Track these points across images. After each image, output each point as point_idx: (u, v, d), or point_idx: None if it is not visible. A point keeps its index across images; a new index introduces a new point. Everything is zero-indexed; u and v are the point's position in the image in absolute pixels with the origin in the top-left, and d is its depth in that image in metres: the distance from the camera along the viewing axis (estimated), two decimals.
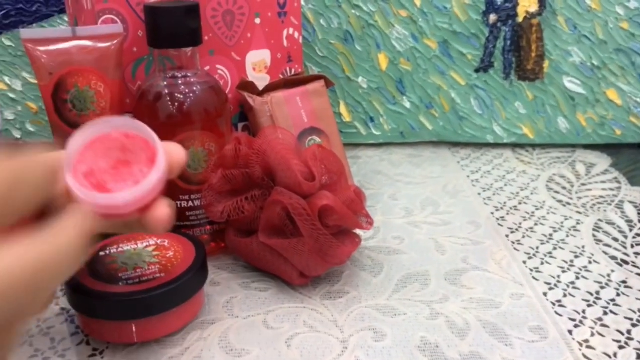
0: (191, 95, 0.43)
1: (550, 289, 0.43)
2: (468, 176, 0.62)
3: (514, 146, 0.69)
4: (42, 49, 0.42)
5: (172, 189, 0.43)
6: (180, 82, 0.43)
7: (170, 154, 0.28)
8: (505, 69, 0.66)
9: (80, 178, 0.27)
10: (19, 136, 0.64)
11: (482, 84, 0.67)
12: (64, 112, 0.43)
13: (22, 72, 0.63)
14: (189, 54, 0.44)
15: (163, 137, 0.42)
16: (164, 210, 0.28)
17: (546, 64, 0.66)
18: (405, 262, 0.46)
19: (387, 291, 0.43)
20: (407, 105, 0.68)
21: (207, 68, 0.49)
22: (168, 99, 0.43)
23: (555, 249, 0.48)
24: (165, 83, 0.43)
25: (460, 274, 0.44)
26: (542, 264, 0.46)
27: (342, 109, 0.68)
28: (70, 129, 0.43)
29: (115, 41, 0.44)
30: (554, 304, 0.41)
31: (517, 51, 0.66)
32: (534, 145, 0.69)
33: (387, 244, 0.49)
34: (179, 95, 0.43)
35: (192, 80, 0.44)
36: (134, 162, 0.28)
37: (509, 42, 0.66)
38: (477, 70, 0.67)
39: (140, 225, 0.28)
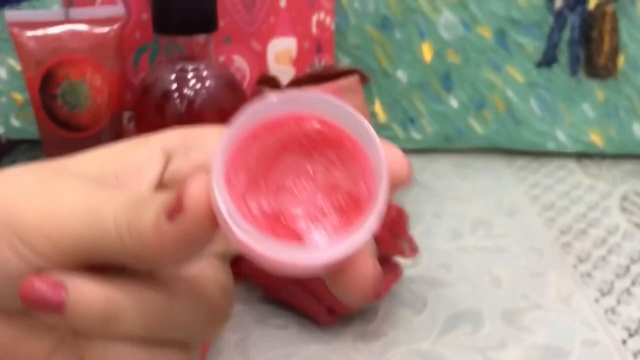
0: (203, 91, 0.42)
1: (630, 335, 0.41)
2: (526, 191, 0.61)
3: (580, 156, 0.68)
4: (29, 33, 0.41)
5: None
6: (190, 75, 0.43)
7: (390, 161, 0.21)
8: (572, 65, 0.65)
9: (239, 199, 0.20)
10: (1, 131, 0.64)
11: (544, 81, 0.65)
12: (53, 108, 0.42)
13: (7, 58, 0.62)
14: (201, 42, 0.43)
15: None
16: (368, 269, 0.21)
17: (621, 59, 0.64)
18: (453, 297, 0.45)
19: (432, 333, 0.41)
20: (454, 104, 0.66)
21: (221, 59, 0.48)
22: (176, 95, 0.42)
23: (634, 284, 0.46)
24: (173, 76, 0.43)
25: (519, 314, 0.43)
26: (619, 302, 0.44)
27: (377, 107, 0.66)
28: (61, 128, 0.42)
29: (115, 26, 0.43)
30: (635, 356, 0.39)
31: (586, 43, 0.65)
32: (603, 155, 0.68)
33: (431, 273, 0.47)
34: (188, 92, 0.42)
35: (204, 73, 0.43)
36: (330, 179, 0.21)
37: (577, 33, 0.64)
38: (538, 65, 0.65)
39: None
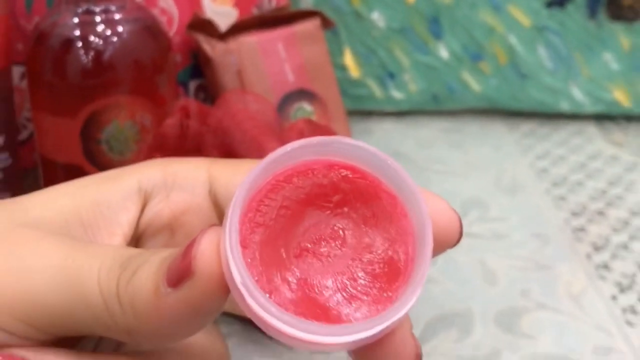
0: (115, 39, 0.43)
1: None
2: (532, 163, 0.62)
3: (601, 118, 0.69)
4: None
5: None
6: (98, 19, 0.43)
7: (435, 218, 0.22)
8: (590, 3, 0.66)
9: (257, 267, 0.20)
10: None
11: (555, 25, 0.66)
12: None
13: None
14: None
15: (72, 105, 0.42)
16: (407, 346, 0.22)
17: None
18: (437, 296, 0.45)
19: None
20: (444, 55, 0.67)
21: None
22: (79, 45, 0.42)
23: None
24: (76, 21, 0.43)
25: (518, 316, 0.44)
26: None
27: (348, 59, 0.67)
28: None
29: None
30: None
31: None
32: (630, 117, 0.69)
33: None
34: (95, 40, 0.42)
35: (116, 16, 0.43)
36: (362, 240, 0.21)
37: None
38: (549, 5, 0.66)
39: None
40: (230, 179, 0.26)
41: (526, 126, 0.68)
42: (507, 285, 0.46)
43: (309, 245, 0.21)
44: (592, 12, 0.66)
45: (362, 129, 0.66)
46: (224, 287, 0.20)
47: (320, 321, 0.20)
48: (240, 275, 0.19)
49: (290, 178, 0.21)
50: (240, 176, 0.25)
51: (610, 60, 0.66)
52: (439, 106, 0.68)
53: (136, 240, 0.26)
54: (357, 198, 0.22)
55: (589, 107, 0.67)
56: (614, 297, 0.45)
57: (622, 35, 0.66)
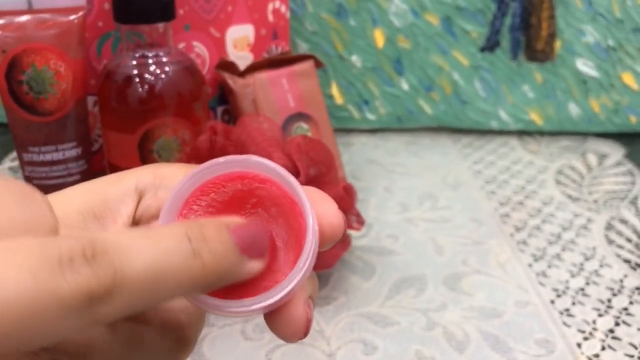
0: (163, 76, 0.42)
1: (558, 295, 0.42)
2: (470, 166, 0.61)
3: (521, 133, 0.68)
4: None
5: None
6: (150, 61, 0.42)
7: (321, 219, 0.21)
8: (513, 49, 0.65)
9: None
10: None
11: (487, 64, 0.66)
12: (19, 94, 0.41)
13: None
14: (161, 29, 0.42)
15: (132, 124, 0.42)
16: (299, 312, 0.21)
17: (557, 43, 0.65)
18: (399, 264, 0.45)
19: (379, 297, 0.42)
20: (405, 87, 0.66)
21: (181, 45, 0.48)
22: (137, 80, 0.41)
23: (563, 250, 0.47)
24: (134, 63, 0.42)
25: (459, 278, 0.44)
26: (550, 267, 0.45)
27: (334, 90, 0.66)
28: (27, 113, 0.41)
29: (78, 14, 0.42)
30: (561, 313, 0.40)
31: (526, 29, 0.65)
32: (542, 133, 0.68)
33: (380, 243, 0.48)
34: (149, 77, 0.42)
35: (164, 59, 0.42)
36: (272, 233, 0.21)
37: (517, 19, 0.64)
38: (482, 50, 0.65)
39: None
40: None
41: (466, 139, 0.67)
42: (452, 256, 0.46)
43: None
44: (514, 55, 0.65)
45: (345, 142, 0.65)
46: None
47: (234, 296, 0.20)
48: None
49: (217, 185, 0.21)
50: None
51: (527, 90, 0.66)
52: (401, 125, 0.68)
53: (133, 226, 0.25)
54: (268, 202, 0.21)
55: (512, 125, 0.67)
56: (530, 265, 0.45)
57: (537, 72, 0.66)
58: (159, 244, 0.17)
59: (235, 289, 0.20)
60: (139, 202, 0.25)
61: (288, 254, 0.21)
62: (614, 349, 0.37)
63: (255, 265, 0.20)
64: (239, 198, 0.21)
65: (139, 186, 0.25)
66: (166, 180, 0.25)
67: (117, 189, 0.24)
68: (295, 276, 0.20)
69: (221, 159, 0.21)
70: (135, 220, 0.25)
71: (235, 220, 0.20)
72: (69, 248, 0.16)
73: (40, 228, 0.18)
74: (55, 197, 0.23)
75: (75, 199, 0.24)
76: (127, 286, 0.16)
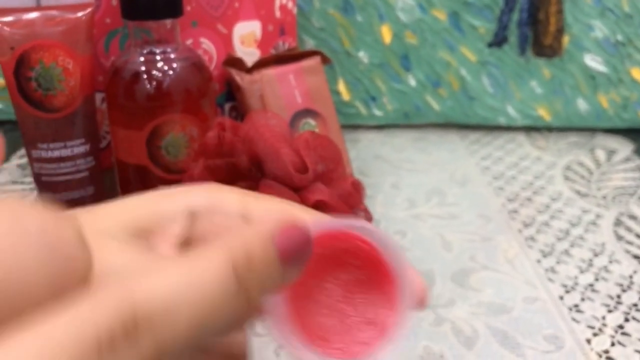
0: (171, 72, 0.41)
1: (567, 291, 0.42)
2: (478, 163, 0.61)
3: (529, 129, 0.68)
4: (2, 19, 0.40)
5: (149, 177, 0.42)
6: (158, 58, 0.42)
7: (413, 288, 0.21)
8: (520, 44, 0.65)
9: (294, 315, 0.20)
10: None
11: (495, 60, 0.65)
12: (27, 91, 0.41)
13: None
14: (168, 26, 0.42)
15: (140, 121, 0.42)
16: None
17: (566, 39, 0.64)
18: (409, 260, 0.45)
19: None
20: (412, 83, 0.66)
21: (189, 42, 0.48)
22: (144, 77, 0.41)
23: (572, 246, 0.47)
24: (142, 59, 0.42)
25: (468, 274, 0.43)
26: (558, 263, 0.45)
27: (341, 86, 0.66)
28: (36, 109, 0.41)
29: (86, 11, 0.42)
30: (570, 309, 0.40)
31: (534, 24, 0.64)
32: (550, 129, 0.68)
33: None
34: (156, 73, 0.41)
35: (171, 56, 0.42)
36: (362, 298, 0.21)
37: (525, 15, 0.64)
38: (489, 45, 0.65)
39: None
40: (260, 214, 0.25)
41: (473, 135, 0.67)
42: (460, 252, 0.46)
43: (329, 297, 0.21)
44: (522, 51, 0.65)
45: (352, 138, 0.65)
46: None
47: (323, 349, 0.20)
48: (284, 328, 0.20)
49: (325, 241, 0.21)
50: (268, 213, 0.24)
51: (535, 86, 0.66)
52: (409, 121, 0.68)
53: (180, 248, 0.25)
54: (365, 263, 0.22)
55: (520, 121, 0.67)
56: (538, 261, 0.45)
57: (544, 68, 0.65)
58: (203, 287, 0.16)
59: (328, 336, 0.20)
60: (190, 223, 0.24)
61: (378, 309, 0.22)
62: (623, 345, 0.37)
63: (293, 273, 0.18)
64: (341, 255, 0.21)
65: (192, 207, 0.24)
66: (222, 206, 0.24)
67: (168, 206, 0.24)
68: (388, 344, 0.21)
69: (339, 221, 0.21)
70: (185, 241, 0.24)
71: (282, 223, 0.19)
72: (109, 327, 0.14)
73: (69, 283, 0.17)
74: (102, 211, 0.23)
75: (123, 213, 0.23)
76: (169, 350, 0.15)
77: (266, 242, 0.17)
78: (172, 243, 0.24)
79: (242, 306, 0.16)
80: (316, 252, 0.20)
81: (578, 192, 0.55)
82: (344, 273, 0.22)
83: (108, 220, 0.22)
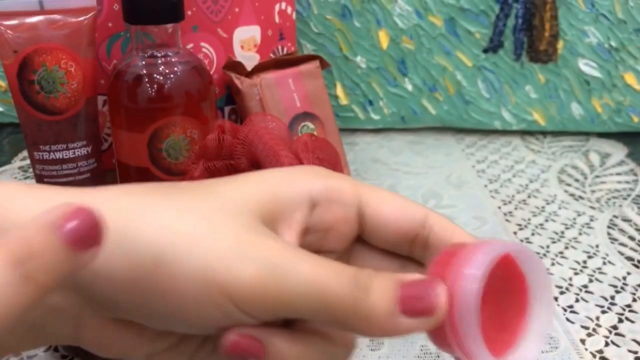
0: (172, 76, 0.42)
1: (562, 292, 0.42)
2: (473, 166, 0.61)
3: (524, 133, 0.68)
4: (5, 23, 0.40)
5: (150, 179, 0.42)
6: (159, 61, 0.42)
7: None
8: (515, 50, 0.65)
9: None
10: None
11: (490, 65, 0.66)
12: (30, 94, 0.41)
13: None
14: (169, 30, 0.42)
15: (141, 123, 0.42)
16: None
17: (560, 44, 0.65)
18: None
19: None
20: (409, 87, 0.66)
21: (190, 46, 0.48)
22: (146, 80, 0.41)
23: (567, 248, 0.47)
24: (143, 63, 0.42)
25: None
26: (553, 264, 0.45)
27: (339, 90, 0.66)
28: (38, 112, 0.41)
29: (88, 15, 0.42)
30: (565, 310, 0.40)
31: (529, 30, 0.65)
32: (545, 133, 0.68)
33: None
34: (158, 77, 0.41)
35: (173, 59, 0.42)
36: (503, 309, 0.23)
37: (520, 20, 0.64)
38: (485, 51, 0.65)
39: None
40: (377, 204, 0.25)
41: (469, 139, 0.67)
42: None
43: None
44: (517, 56, 0.66)
45: (350, 141, 0.66)
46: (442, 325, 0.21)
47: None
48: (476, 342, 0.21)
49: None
50: (384, 204, 0.25)
51: (530, 91, 0.66)
52: (405, 125, 0.68)
53: (304, 235, 0.25)
54: (509, 285, 0.23)
55: (515, 125, 0.67)
56: None
57: (539, 73, 0.66)
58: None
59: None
60: (311, 211, 0.25)
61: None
62: (617, 345, 0.37)
63: (88, 255, 0.18)
64: (498, 274, 0.22)
65: (313, 195, 0.24)
66: (339, 195, 0.25)
67: (290, 192, 0.24)
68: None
69: (500, 244, 0.22)
70: (306, 229, 0.25)
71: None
72: None
73: None
74: (235, 192, 0.23)
75: (254, 196, 0.23)
76: None
77: (46, 230, 0.18)
78: (297, 231, 0.24)
79: (32, 290, 0.17)
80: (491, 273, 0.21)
81: (572, 195, 0.55)
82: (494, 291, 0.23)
83: (231, 204, 0.23)
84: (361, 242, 0.27)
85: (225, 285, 0.20)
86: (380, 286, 0.21)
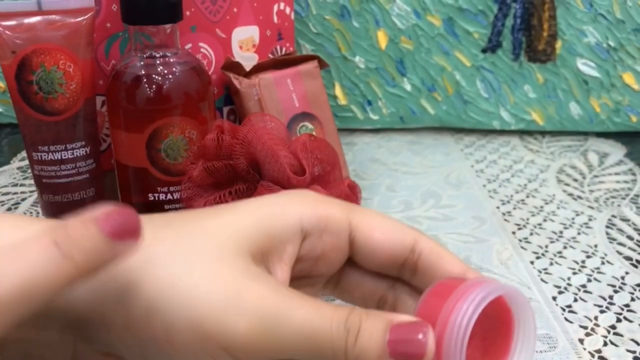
0: (170, 76, 0.42)
1: (560, 292, 0.42)
2: (472, 166, 0.61)
3: (522, 133, 0.68)
4: (3, 23, 0.40)
5: (149, 180, 0.42)
6: (158, 62, 0.42)
7: None
8: (514, 50, 0.65)
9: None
10: None
11: (489, 65, 0.66)
12: (29, 94, 0.41)
13: None
14: (168, 31, 0.42)
15: (140, 124, 0.42)
16: None
17: (558, 44, 0.65)
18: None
19: None
20: (408, 87, 0.66)
21: (188, 46, 0.48)
22: (144, 81, 0.41)
23: (565, 247, 0.47)
24: (142, 63, 0.42)
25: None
26: (551, 264, 0.45)
27: (338, 90, 0.66)
28: (37, 113, 0.41)
29: (87, 16, 0.42)
30: (563, 310, 0.40)
31: (527, 30, 0.65)
32: (543, 133, 0.68)
33: None
34: (156, 77, 0.41)
35: (171, 60, 0.42)
36: (490, 344, 0.24)
37: (519, 20, 0.64)
38: (484, 51, 0.65)
39: None
40: (367, 230, 0.26)
41: (468, 139, 0.67)
42: (455, 253, 0.46)
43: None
44: (516, 56, 0.66)
45: (348, 141, 0.66)
46: None
47: None
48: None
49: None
50: (374, 230, 0.26)
51: (529, 90, 0.66)
52: (404, 125, 0.68)
53: (295, 264, 0.26)
54: (497, 320, 0.24)
55: (514, 125, 0.67)
56: (532, 262, 0.45)
57: (538, 72, 0.66)
58: (29, 256, 0.19)
59: None
60: (302, 242, 0.25)
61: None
62: (616, 345, 0.37)
63: (124, 245, 0.20)
64: (485, 314, 0.22)
65: (304, 226, 0.25)
66: (330, 224, 0.25)
67: (281, 226, 0.24)
68: None
69: (492, 286, 0.23)
70: (297, 259, 0.25)
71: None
72: None
73: None
74: (225, 230, 0.23)
75: (245, 235, 0.23)
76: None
77: (86, 222, 0.20)
78: (288, 263, 0.24)
79: (70, 267, 0.19)
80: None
81: (571, 195, 0.55)
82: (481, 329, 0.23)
83: (240, 241, 0.23)
84: (351, 263, 0.27)
85: (219, 338, 0.21)
86: (370, 328, 0.21)
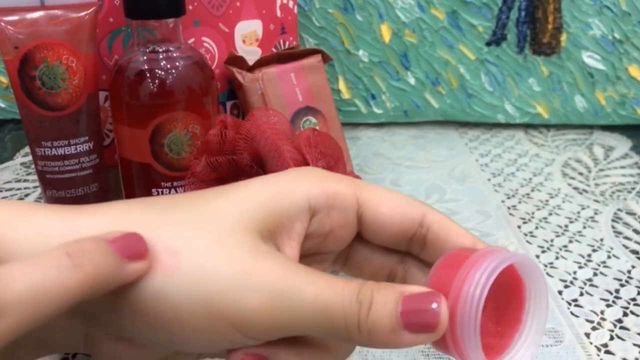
0: (173, 71, 0.41)
1: (566, 286, 0.42)
2: (477, 160, 0.61)
3: (527, 126, 0.68)
4: (6, 19, 0.40)
5: (152, 175, 0.42)
6: (161, 57, 0.42)
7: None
8: (519, 42, 0.65)
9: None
10: None
11: (493, 58, 0.65)
12: (31, 90, 0.41)
13: None
14: (171, 25, 0.42)
15: (143, 119, 0.42)
16: None
17: (563, 37, 0.64)
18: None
19: None
20: (412, 81, 0.66)
21: (191, 41, 0.48)
22: (148, 75, 0.41)
23: (571, 241, 0.47)
24: (145, 58, 0.41)
25: None
26: (557, 258, 0.45)
27: (341, 85, 0.66)
28: (40, 108, 0.41)
29: (89, 10, 0.42)
30: (569, 304, 0.40)
31: (532, 23, 0.64)
32: (548, 126, 0.68)
33: None
34: (159, 72, 0.41)
35: (174, 54, 0.42)
36: (500, 315, 0.23)
37: (523, 13, 0.64)
38: (488, 44, 0.65)
39: None
40: (375, 205, 0.25)
41: (472, 133, 0.67)
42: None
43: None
44: (520, 49, 0.66)
45: (352, 135, 0.65)
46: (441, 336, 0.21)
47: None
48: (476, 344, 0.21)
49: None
50: (383, 205, 0.25)
51: (534, 84, 0.66)
52: (408, 119, 0.68)
53: (304, 242, 0.26)
54: (508, 289, 0.24)
55: (519, 119, 0.67)
56: (537, 256, 0.45)
57: (542, 65, 0.66)
58: (43, 264, 0.19)
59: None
60: (310, 219, 0.25)
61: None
62: (622, 339, 0.37)
63: (134, 266, 0.21)
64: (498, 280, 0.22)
65: (312, 204, 0.25)
66: (338, 201, 0.25)
67: (289, 203, 0.24)
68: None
69: (503, 254, 0.22)
70: (305, 237, 0.25)
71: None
72: None
73: None
74: (231, 211, 0.23)
75: (252, 213, 0.23)
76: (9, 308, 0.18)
77: (98, 239, 0.21)
78: (296, 240, 0.24)
79: (81, 277, 0.19)
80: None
81: (576, 189, 0.55)
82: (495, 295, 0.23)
83: (247, 221, 0.23)
84: (360, 239, 0.27)
85: (231, 317, 0.21)
86: (382, 300, 0.21)
